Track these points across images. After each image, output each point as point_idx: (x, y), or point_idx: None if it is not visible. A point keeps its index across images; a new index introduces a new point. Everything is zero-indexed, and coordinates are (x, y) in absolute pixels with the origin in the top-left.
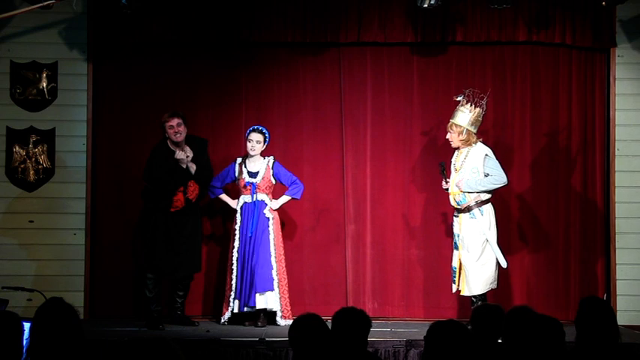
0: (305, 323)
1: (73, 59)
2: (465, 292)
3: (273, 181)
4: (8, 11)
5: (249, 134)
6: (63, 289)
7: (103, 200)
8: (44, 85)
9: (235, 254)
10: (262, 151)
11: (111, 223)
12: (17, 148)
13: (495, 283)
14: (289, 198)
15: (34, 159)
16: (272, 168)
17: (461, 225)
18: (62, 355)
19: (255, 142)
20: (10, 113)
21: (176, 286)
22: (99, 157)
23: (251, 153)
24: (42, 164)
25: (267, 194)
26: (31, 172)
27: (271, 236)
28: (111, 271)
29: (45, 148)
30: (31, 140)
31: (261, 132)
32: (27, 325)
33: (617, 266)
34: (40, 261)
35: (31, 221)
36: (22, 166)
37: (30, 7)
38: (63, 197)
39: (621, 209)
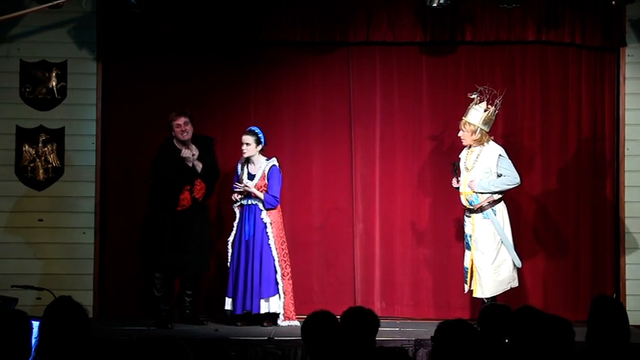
0: (318, 320)
1: (83, 58)
2: (477, 294)
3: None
4: (18, 11)
5: (242, 136)
6: (72, 287)
7: (113, 199)
8: (54, 84)
9: (230, 249)
10: (264, 152)
11: (120, 222)
12: (27, 147)
13: (516, 281)
14: (261, 198)
15: (43, 158)
16: (267, 173)
17: (474, 226)
18: (71, 354)
19: (245, 144)
20: (19, 112)
21: (184, 285)
22: (108, 156)
23: (244, 155)
24: (51, 163)
25: None
26: (41, 171)
27: (271, 241)
28: (120, 270)
29: (54, 147)
30: (41, 139)
31: (252, 133)
32: (36, 324)
33: (626, 266)
34: (50, 260)
35: (40, 220)
36: (31, 165)
37: (39, 7)
38: (72, 196)
39: (631, 209)
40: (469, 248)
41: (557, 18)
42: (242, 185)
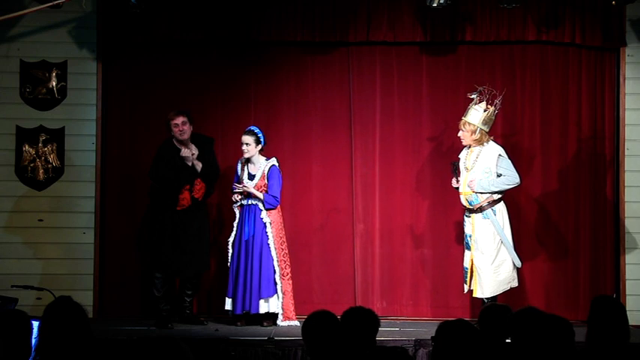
0: (319, 320)
1: (83, 58)
2: (477, 294)
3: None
4: (18, 11)
5: (241, 136)
6: (72, 287)
7: (113, 199)
8: (54, 84)
9: (230, 250)
10: (264, 152)
11: (120, 222)
12: (27, 147)
13: (516, 281)
14: (260, 198)
15: (43, 158)
16: (267, 173)
17: (473, 226)
18: (71, 353)
19: (245, 144)
20: (19, 112)
21: (185, 285)
22: (108, 156)
23: (244, 156)
24: (51, 163)
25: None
26: (41, 171)
27: (271, 240)
28: (120, 269)
29: (54, 147)
30: (41, 139)
31: (251, 133)
32: (36, 324)
33: (626, 266)
34: (50, 260)
35: (40, 220)
36: (31, 165)
37: (39, 7)
38: (72, 196)
39: (631, 209)
40: (469, 248)
41: (557, 18)
42: (241, 186)
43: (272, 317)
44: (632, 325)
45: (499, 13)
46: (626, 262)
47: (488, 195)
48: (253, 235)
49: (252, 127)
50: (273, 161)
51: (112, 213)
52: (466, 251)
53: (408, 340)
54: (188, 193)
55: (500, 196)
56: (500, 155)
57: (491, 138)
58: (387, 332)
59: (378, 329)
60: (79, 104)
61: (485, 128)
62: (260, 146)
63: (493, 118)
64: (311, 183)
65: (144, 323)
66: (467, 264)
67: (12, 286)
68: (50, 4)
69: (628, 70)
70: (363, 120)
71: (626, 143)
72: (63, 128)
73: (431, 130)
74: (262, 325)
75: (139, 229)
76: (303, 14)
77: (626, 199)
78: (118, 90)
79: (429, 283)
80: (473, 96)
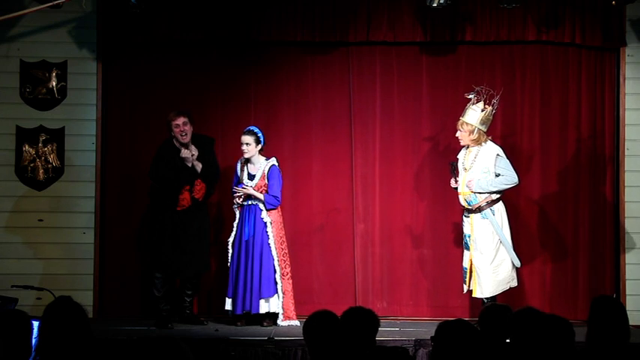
0: (320, 320)
1: (83, 58)
2: (476, 294)
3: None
4: (18, 11)
5: (241, 136)
6: (72, 287)
7: (113, 199)
8: (54, 84)
9: (230, 250)
10: (263, 152)
11: (120, 222)
12: (27, 147)
13: (515, 280)
14: (261, 199)
15: (43, 158)
16: (267, 173)
17: (472, 226)
18: (71, 353)
19: (245, 144)
20: (19, 112)
21: (185, 285)
22: (108, 156)
23: (245, 156)
24: (51, 163)
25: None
26: (41, 171)
27: (271, 240)
28: (120, 270)
29: (54, 147)
30: (41, 139)
31: (251, 133)
32: (36, 324)
33: (626, 266)
34: (50, 260)
35: (40, 220)
36: (31, 165)
37: (39, 7)
38: (72, 196)
39: (631, 209)
40: (468, 248)
41: (557, 18)
42: (241, 188)
43: (272, 317)
44: (632, 325)
45: (499, 13)
46: (626, 262)
47: (487, 195)
48: (253, 235)
49: (252, 127)
50: (273, 161)
51: (112, 213)
52: (465, 251)
53: (408, 340)
54: (188, 194)
55: (498, 196)
56: (498, 155)
57: (490, 138)
58: (387, 332)
59: (378, 329)
60: (79, 104)
61: (483, 128)
62: (260, 146)
63: (491, 117)
64: (311, 183)
65: (144, 323)
66: (466, 264)
67: (12, 286)
68: (50, 4)
69: (628, 70)
70: (363, 120)
71: (626, 143)
72: (63, 128)
73: (431, 130)
74: (262, 325)
75: (139, 229)
76: (303, 14)
77: (626, 199)
78: (118, 90)
79: (428, 284)
80: (470, 96)
